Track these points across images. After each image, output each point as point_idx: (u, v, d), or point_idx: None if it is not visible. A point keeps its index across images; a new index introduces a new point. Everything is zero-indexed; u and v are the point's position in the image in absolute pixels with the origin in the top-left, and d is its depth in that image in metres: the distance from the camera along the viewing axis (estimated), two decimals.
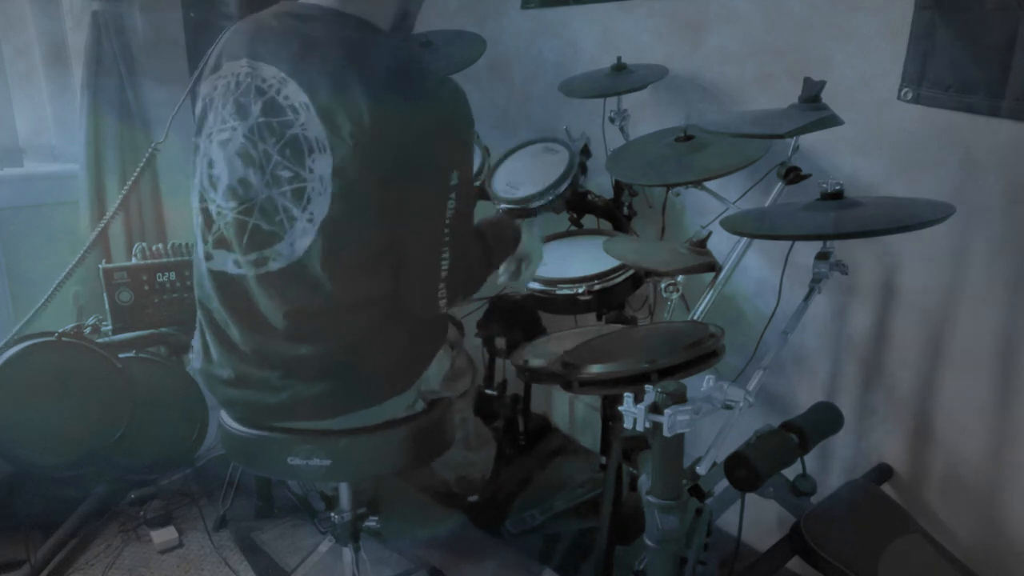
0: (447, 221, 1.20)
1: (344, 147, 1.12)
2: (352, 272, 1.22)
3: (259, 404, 1.32)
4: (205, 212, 1.29)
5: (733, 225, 1.21)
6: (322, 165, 1.14)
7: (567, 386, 1.27)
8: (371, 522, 1.53)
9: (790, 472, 1.49)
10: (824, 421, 1.56)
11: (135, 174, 1.73)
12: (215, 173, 1.25)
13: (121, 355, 1.99)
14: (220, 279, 1.29)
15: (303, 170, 1.16)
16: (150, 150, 1.67)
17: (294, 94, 1.15)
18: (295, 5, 1.23)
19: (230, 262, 1.26)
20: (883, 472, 1.69)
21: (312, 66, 1.14)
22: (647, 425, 1.09)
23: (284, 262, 1.20)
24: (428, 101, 1.14)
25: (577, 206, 1.96)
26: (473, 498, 2.10)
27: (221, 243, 1.27)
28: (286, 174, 1.17)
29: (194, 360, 1.42)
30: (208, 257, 1.29)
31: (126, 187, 1.72)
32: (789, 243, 1.56)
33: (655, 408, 1.09)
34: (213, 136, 1.25)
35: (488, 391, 2.26)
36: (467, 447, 1.92)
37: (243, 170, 1.21)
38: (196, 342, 1.41)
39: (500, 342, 2.10)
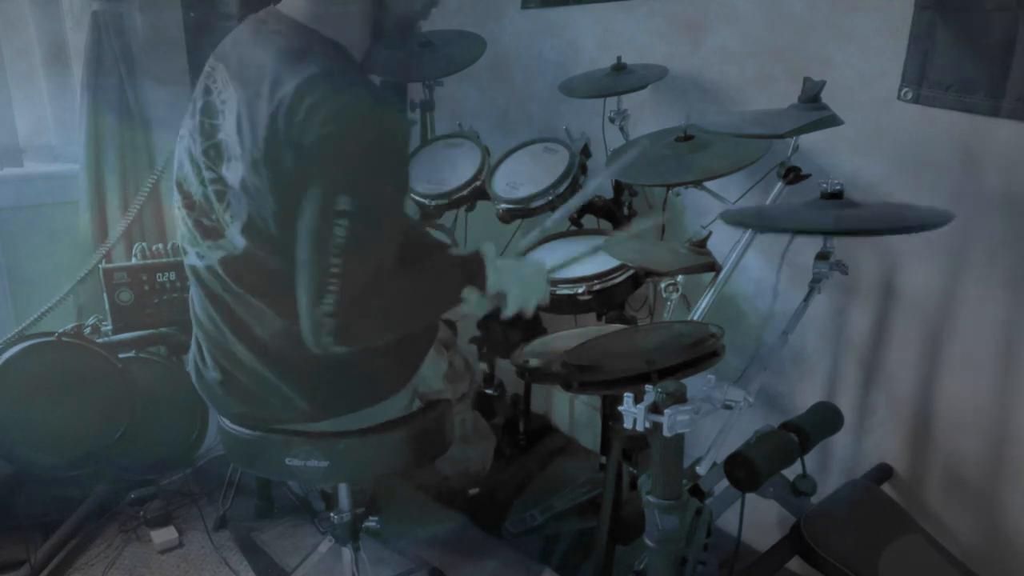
0: (335, 250, 1.06)
1: (248, 158, 1.12)
2: (290, 278, 1.16)
3: (252, 408, 1.32)
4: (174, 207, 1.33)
5: (733, 218, 1.21)
6: (233, 173, 1.14)
7: (567, 386, 1.27)
8: (371, 522, 1.53)
9: (790, 472, 1.49)
10: (824, 421, 1.56)
11: (136, 206, 1.73)
12: (172, 169, 1.30)
13: (121, 355, 1.99)
14: (192, 273, 1.31)
15: (222, 174, 1.17)
16: (152, 180, 1.68)
17: (228, 99, 1.16)
18: (267, 11, 1.23)
19: (194, 256, 1.28)
20: (883, 472, 1.69)
21: (246, 74, 1.14)
22: (647, 425, 1.09)
23: (226, 253, 1.21)
24: (334, 123, 1.05)
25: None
26: (474, 491, 2.09)
27: (183, 238, 1.30)
28: (210, 175, 1.19)
29: (189, 366, 1.43)
30: (184, 252, 1.32)
31: (130, 213, 1.72)
32: (787, 242, 1.56)
33: (655, 408, 1.09)
34: (182, 136, 1.28)
35: (488, 391, 2.27)
36: (465, 442, 1.92)
37: (186, 167, 1.24)
38: (193, 348, 1.42)
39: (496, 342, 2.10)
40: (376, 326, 1.15)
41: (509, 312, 1.34)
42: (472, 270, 1.28)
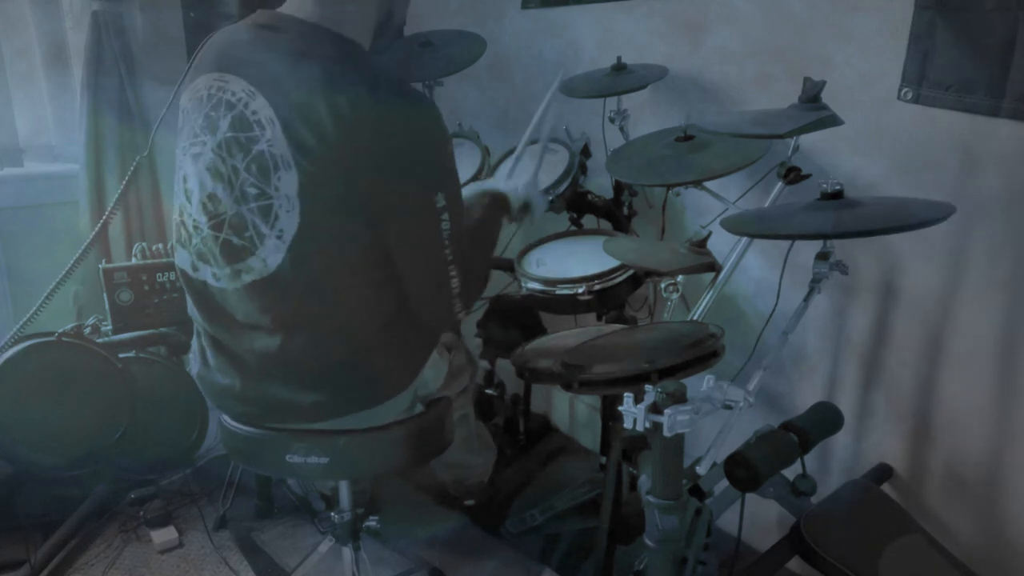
0: (446, 242, 1.19)
1: (308, 166, 1.10)
2: (333, 285, 1.20)
3: (255, 409, 1.32)
4: (184, 225, 1.28)
5: (733, 225, 1.21)
6: (288, 183, 1.12)
7: (567, 386, 1.27)
8: (371, 522, 1.53)
9: (790, 472, 1.49)
10: (824, 421, 1.56)
11: (122, 186, 1.71)
12: (189, 187, 1.24)
13: (121, 355, 1.99)
14: (203, 290, 1.29)
15: (269, 187, 1.14)
16: (134, 164, 1.67)
17: (261, 109, 1.12)
18: (270, 15, 1.20)
19: (209, 274, 1.26)
20: (883, 472, 1.69)
21: (280, 81, 1.11)
22: (647, 425, 1.09)
23: (257, 275, 1.19)
24: (400, 124, 1.11)
25: (577, 206, 1.96)
26: (470, 502, 2.10)
27: (200, 256, 1.26)
28: (253, 191, 1.15)
29: (192, 365, 1.43)
30: (194, 268, 1.29)
31: (115, 199, 1.71)
32: (789, 243, 1.56)
33: (655, 408, 1.09)
34: (187, 150, 1.24)
35: (488, 391, 2.27)
36: (468, 449, 1.92)
37: (212, 185, 1.19)
38: (194, 346, 1.41)
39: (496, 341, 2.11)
40: (478, 283, 1.34)
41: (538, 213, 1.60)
42: (501, 204, 1.50)
